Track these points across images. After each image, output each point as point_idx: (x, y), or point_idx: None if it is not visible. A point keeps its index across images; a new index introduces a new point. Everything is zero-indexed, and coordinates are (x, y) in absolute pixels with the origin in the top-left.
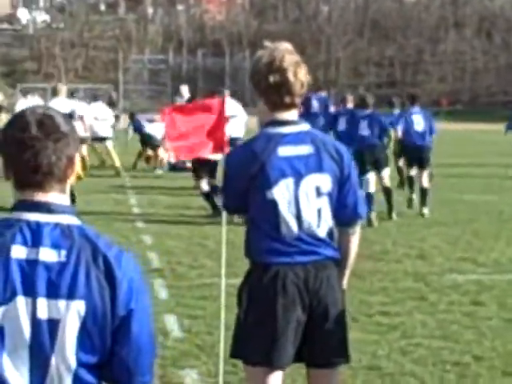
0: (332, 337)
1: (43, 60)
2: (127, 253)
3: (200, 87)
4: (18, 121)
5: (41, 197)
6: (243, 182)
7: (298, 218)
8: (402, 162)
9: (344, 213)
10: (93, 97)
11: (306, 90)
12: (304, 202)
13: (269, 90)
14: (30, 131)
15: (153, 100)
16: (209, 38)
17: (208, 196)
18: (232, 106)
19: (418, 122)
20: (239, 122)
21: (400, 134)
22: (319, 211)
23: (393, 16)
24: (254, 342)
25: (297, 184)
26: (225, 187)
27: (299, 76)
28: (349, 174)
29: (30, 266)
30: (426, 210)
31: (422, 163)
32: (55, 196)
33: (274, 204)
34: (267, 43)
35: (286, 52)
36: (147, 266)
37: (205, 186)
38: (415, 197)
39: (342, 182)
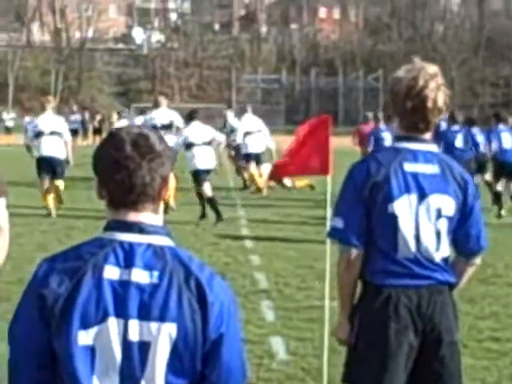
0: (445, 364)
1: (157, 79)
2: (219, 276)
3: (313, 106)
4: (113, 140)
5: (134, 217)
6: (366, 192)
7: (417, 238)
8: (488, 176)
9: (466, 243)
10: (207, 117)
11: (443, 114)
12: (424, 221)
13: (404, 114)
14: (125, 150)
15: (265, 119)
16: (322, 57)
17: (212, 201)
18: (255, 122)
19: (507, 140)
20: (261, 138)
21: (493, 150)
22: (438, 234)
23: (509, 35)
24: (365, 367)
25: (419, 201)
26: (343, 203)
27: (438, 103)
28: (473, 203)
29: (122, 287)
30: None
31: (510, 177)
32: (148, 216)
33: (394, 219)
34: (416, 59)
35: (428, 77)
36: (255, 287)
37: (208, 191)
38: (504, 212)
39: (464, 211)
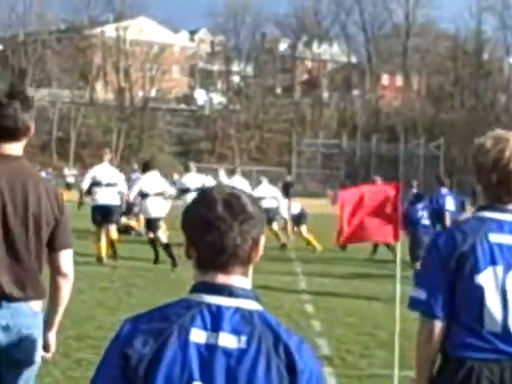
0: None
1: (218, 140)
2: (306, 343)
3: (373, 172)
4: (205, 199)
5: (223, 279)
6: (451, 263)
7: (504, 311)
8: None
9: None
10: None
11: None
12: (511, 294)
13: (489, 186)
14: (217, 210)
15: (325, 184)
16: (383, 123)
17: (168, 247)
18: (270, 190)
19: None
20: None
21: None
22: None
23: None
24: None
25: (505, 274)
26: (426, 273)
27: None
28: None
29: (208, 351)
30: None
31: None
32: (237, 279)
33: (480, 291)
34: (498, 131)
35: None
36: (317, 353)
37: (163, 237)
38: None
39: None
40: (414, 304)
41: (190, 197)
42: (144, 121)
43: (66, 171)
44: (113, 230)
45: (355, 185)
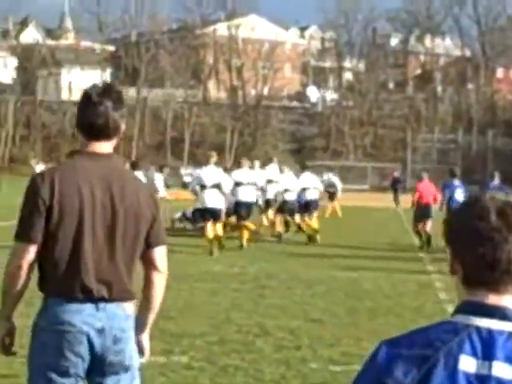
0: None
1: (331, 137)
2: None
3: (489, 167)
4: (475, 208)
5: (494, 300)
6: None
7: None
8: None
9: None
10: (381, 176)
11: None
12: None
13: None
14: (490, 220)
15: (441, 179)
16: (500, 117)
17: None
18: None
19: None
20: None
21: None
22: None
23: None
24: None
25: None
26: None
27: None
28: None
29: (480, 382)
30: None
31: None
32: (510, 300)
33: None
34: None
35: None
36: None
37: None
38: None
39: None
40: None
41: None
42: (257, 119)
43: (183, 170)
44: (219, 229)
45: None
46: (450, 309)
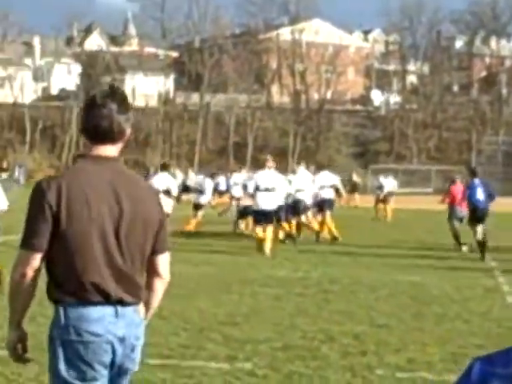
0: None
1: (395, 141)
2: None
3: None
4: None
5: None
6: None
7: None
8: None
9: None
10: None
11: None
12: None
13: None
14: None
15: (506, 182)
16: None
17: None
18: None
19: None
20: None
21: None
22: None
23: None
24: None
25: None
26: None
27: None
28: None
29: None
30: None
31: None
32: None
33: None
34: None
35: None
36: None
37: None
38: None
39: None
40: None
41: None
42: (320, 123)
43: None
44: (269, 231)
45: None
46: None
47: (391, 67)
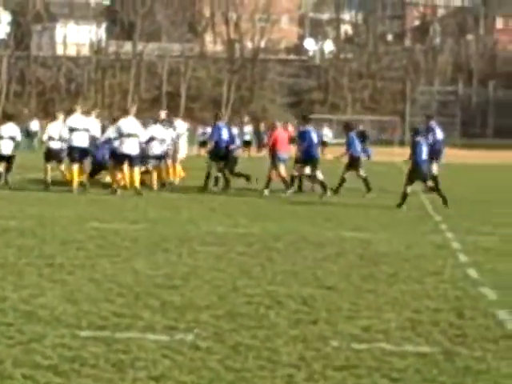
0: None
1: (330, 91)
2: None
3: (490, 119)
4: None
5: None
6: None
7: None
8: None
9: None
10: (380, 129)
11: None
12: None
13: None
14: None
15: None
16: (501, 68)
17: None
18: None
19: None
20: None
21: None
22: None
23: None
24: None
25: None
26: None
27: None
28: None
29: None
30: None
31: None
32: None
33: None
34: None
35: None
36: (502, 330)
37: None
38: None
39: None
40: None
41: None
42: (254, 72)
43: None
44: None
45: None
46: (472, 273)
47: (325, 16)
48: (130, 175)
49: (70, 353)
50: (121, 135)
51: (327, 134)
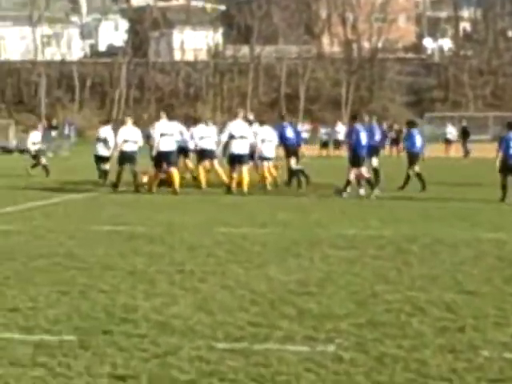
0: None
1: (450, 88)
2: None
3: None
4: None
5: None
6: None
7: None
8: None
9: None
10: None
11: None
12: None
13: None
14: None
15: None
16: None
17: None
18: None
19: None
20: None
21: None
22: None
23: None
24: None
25: None
26: None
27: None
28: None
29: None
30: None
31: None
32: None
33: None
34: None
35: None
36: None
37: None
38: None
39: None
40: None
41: None
42: (373, 72)
43: (300, 127)
44: None
45: None
46: None
47: (443, 14)
48: (238, 176)
49: (208, 367)
50: (231, 137)
51: (451, 131)
